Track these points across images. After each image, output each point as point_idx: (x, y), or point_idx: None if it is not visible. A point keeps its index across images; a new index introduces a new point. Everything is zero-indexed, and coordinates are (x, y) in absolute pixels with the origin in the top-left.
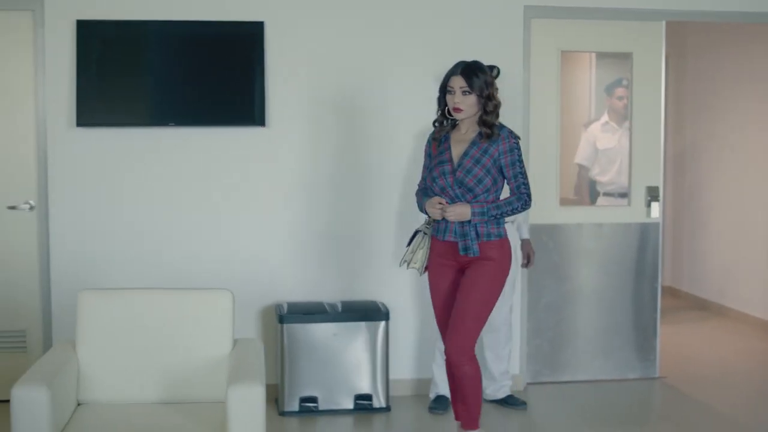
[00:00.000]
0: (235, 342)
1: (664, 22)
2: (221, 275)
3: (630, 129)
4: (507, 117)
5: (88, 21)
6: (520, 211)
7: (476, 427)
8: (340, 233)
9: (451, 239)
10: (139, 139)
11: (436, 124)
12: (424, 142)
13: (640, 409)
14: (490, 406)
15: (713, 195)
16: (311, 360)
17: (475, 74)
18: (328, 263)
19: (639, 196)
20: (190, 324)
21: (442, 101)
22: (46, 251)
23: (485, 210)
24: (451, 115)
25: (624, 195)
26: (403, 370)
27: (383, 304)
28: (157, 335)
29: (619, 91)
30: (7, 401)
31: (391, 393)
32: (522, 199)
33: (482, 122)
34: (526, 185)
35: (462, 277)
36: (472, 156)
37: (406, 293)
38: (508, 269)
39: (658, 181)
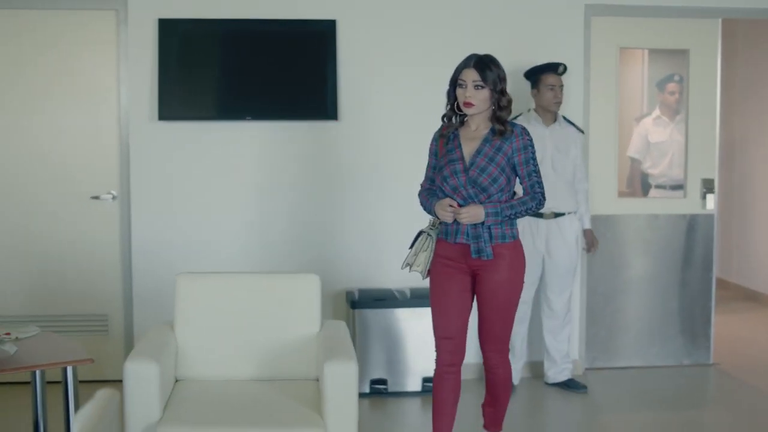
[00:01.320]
0: (322, 323)
1: (720, 20)
2: (293, 262)
3: (686, 123)
4: (568, 112)
5: (169, 19)
6: (534, 211)
7: (501, 428)
8: (409, 224)
9: (463, 241)
10: (218, 132)
11: (445, 119)
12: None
13: (696, 393)
14: (552, 389)
15: (762, 187)
16: (381, 344)
17: (489, 67)
18: (397, 252)
19: (694, 188)
20: (280, 305)
21: (452, 95)
22: (127, 239)
23: (499, 210)
24: (460, 110)
25: (675, 187)
26: (468, 354)
27: None
28: (249, 316)
29: (671, 87)
30: (89, 381)
31: None
32: (536, 199)
33: (495, 118)
34: (540, 184)
35: (476, 282)
36: (486, 154)
37: None
38: (524, 270)
39: (713, 174)
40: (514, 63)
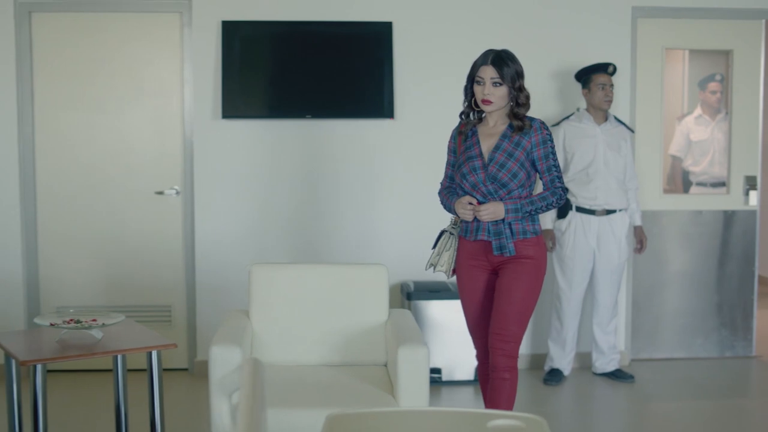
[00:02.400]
0: (390, 312)
1: (763, 21)
2: (350, 255)
3: (729, 121)
4: (615, 112)
5: (232, 21)
6: (554, 207)
7: None
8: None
9: (484, 238)
10: (279, 130)
11: (462, 116)
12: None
13: (739, 384)
14: (601, 379)
15: None
16: (435, 334)
17: (506, 64)
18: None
19: (737, 184)
20: (350, 295)
21: (469, 92)
22: (190, 233)
23: (519, 206)
24: (478, 107)
25: (715, 185)
26: (523, 345)
27: None
28: (320, 304)
29: (713, 86)
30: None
31: None
32: (557, 194)
33: (514, 115)
34: (560, 178)
35: (497, 278)
36: (505, 149)
37: None
38: (545, 267)
39: (756, 171)
40: (564, 64)
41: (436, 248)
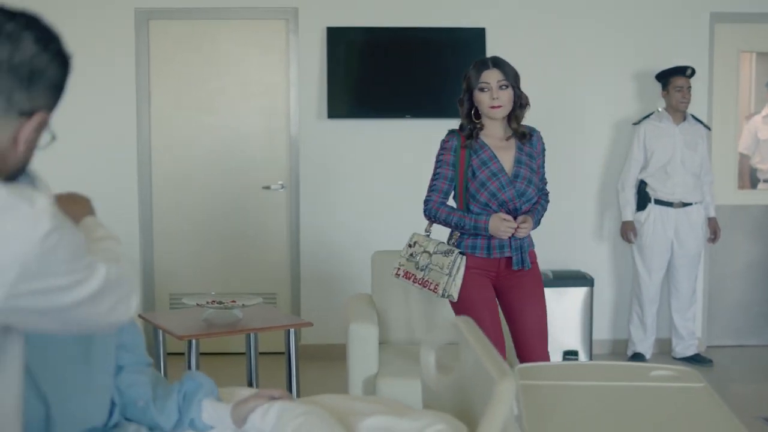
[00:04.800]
0: None
1: None
2: None
3: None
4: (693, 111)
5: (336, 28)
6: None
7: None
8: (557, 214)
9: (510, 254)
10: (380, 129)
11: (463, 130)
12: (625, 132)
13: None
14: (681, 363)
15: None
16: None
17: (507, 65)
18: (540, 238)
19: None
20: None
21: (467, 103)
22: (296, 225)
23: (538, 218)
24: (478, 117)
25: None
26: (603, 330)
27: (587, 273)
28: None
29: None
30: (263, 353)
31: (594, 351)
32: (547, 199)
33: (515, 118)
34: (546, 183)
35: (508, 294)
36: (526, 164)
37: (606, 264)
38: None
39: None
40: (646, 67)
41: (451, 274)
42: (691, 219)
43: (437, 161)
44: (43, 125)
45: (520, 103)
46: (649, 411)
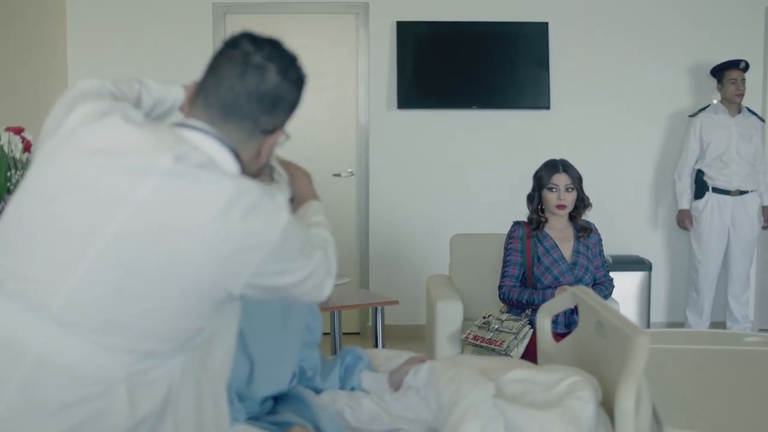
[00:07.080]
0: None
1: None
2: None
3: None
4: (748, 103)
5: (406, 22)
6: (606, 299)
7: None
8: (614, 203)
9: (562, 330)
10: (448, 119)
11: (531, 222)
12: (680, 125)
13: None
14: None
15: None
16: None
17: (573, 169)
18: (601, 225)
19: None
20: None
21: (536, 199)
22: (365, 211)
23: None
24: (543, 212)
25: None
26: (659, 313)
27: (646, 258)
28: None
29: None
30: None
31: None
32: (610, 288)
33: (577, 216)
34: (608, 272)
35: None
36: (584, 253)
37: (661, 251)
38: None
39: None
40: (701, 61)
41: (517, 336)
42: (747, 207)
43: (506, 249)
44: (279, 136)
45: (583, 204)
46: (743, 371)
